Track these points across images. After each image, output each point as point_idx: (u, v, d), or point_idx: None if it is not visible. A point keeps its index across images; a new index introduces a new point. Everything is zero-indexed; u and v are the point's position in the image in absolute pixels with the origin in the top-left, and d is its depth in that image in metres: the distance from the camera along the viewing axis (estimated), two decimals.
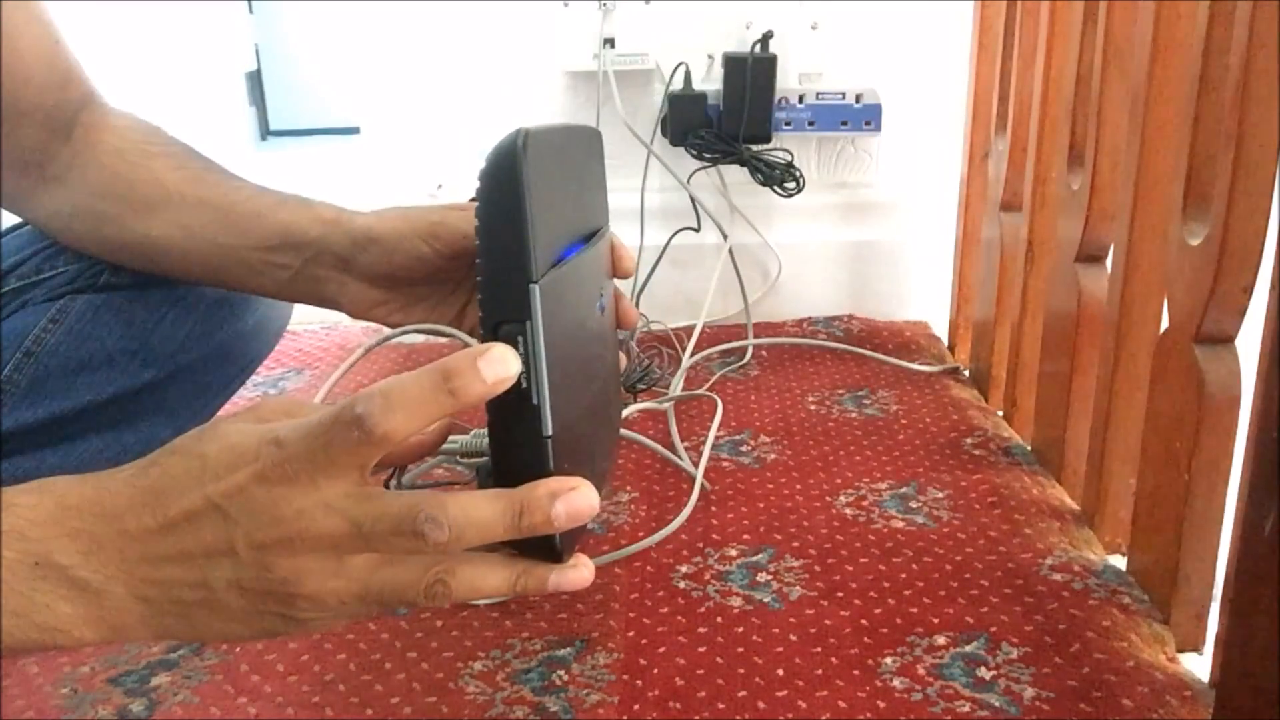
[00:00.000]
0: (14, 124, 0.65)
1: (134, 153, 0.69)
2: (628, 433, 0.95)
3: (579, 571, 0.41)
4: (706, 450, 0.94)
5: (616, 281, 0.57)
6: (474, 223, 0.38)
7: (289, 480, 0.38)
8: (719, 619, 0.71)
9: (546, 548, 0.40)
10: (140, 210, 0.68)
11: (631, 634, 0.69)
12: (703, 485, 0.88)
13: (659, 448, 0.93)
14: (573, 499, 0.38)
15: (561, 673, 0.65)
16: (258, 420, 0.42)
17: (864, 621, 0.70)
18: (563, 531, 0.39)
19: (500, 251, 0.37)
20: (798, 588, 0.74)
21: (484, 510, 0.38)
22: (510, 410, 0.38)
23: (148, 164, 0.68)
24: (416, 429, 0.38)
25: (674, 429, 0.99)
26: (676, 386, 1.10)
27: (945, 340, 1.25)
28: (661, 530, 0.81)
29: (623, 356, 0.60)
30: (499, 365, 0.37)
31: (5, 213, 0.72)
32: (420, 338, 1.13)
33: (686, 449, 0.95)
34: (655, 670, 0.66)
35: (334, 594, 0.39)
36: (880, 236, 1.34)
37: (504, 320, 0.38)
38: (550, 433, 0.38)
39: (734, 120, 1.23)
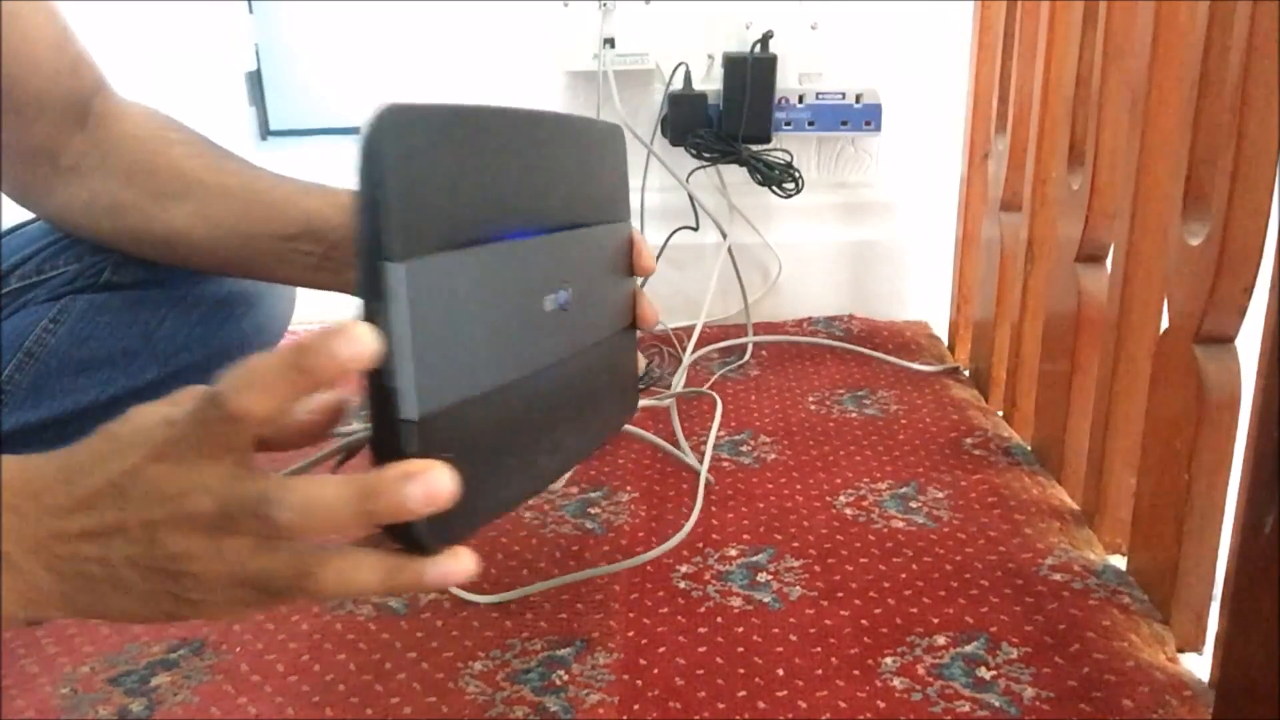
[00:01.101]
0: (25, 113, 0.64)
1: (153, 140, 0.68)
2: (631, 429, 0.94)
3: (459, 563, 0.39)
4: (710, 445, 0.94)
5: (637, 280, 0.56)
6: None
7: (175, 459, 0.38)
8: (719, 619, 0.71)
9: (411, 538, 0.38)
10: (162, 199, 0.67)
11: (631, 634, 0.69)
12: (707, 480, 0.88)
13: (664, 444, 0.94)
14: (429, 481, 0.36)
15: (561, 673, 0.65)
16: (174, 403, 0.41)
17: (864, 621, 0.70)
18: (423, 518, 0.37)
19: (364, 228, 0.36)
20: (798, 588, 0.74)
21: (330, 493, 0.37)
22: (378, 392, 0.37)
23: (167, 151, 0.68)
24: (274, 406, 0.37)
25: (677, 424, 0.99)
26: (678, 384, 1.10)
27: (945, 340, 1.25)
28: (675, 536, 0.81)
29: (641, 358, 0.58)
30: (353, 344, 0.36)
31: (5, 213, 0.72)
32: None
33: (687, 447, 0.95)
34: (655, 670, 0.66)
35: (215, 577, 0.39)
36: (880, 236, 1.34)
37: (368, 298, 0.36)
38: (410, 416, 0.36)
39: (734, 120, 1.23)
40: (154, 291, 0.73)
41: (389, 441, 0.37)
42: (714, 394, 1.06)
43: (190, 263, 0.70)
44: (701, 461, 0.91)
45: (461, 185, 0.39)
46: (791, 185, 1.22)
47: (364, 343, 0.35)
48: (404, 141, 0.35)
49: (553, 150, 0.47)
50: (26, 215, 0.79)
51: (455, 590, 0.73)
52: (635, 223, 1.24)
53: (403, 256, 0.35)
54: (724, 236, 1.27)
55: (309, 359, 0.36)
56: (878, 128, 1.29)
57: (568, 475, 0.89)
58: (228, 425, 0.38)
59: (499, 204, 0.41)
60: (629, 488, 0.90)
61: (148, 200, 0.67)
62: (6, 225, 0.76)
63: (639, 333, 0.58)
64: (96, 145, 0.67)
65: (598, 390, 0.52)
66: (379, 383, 0.36)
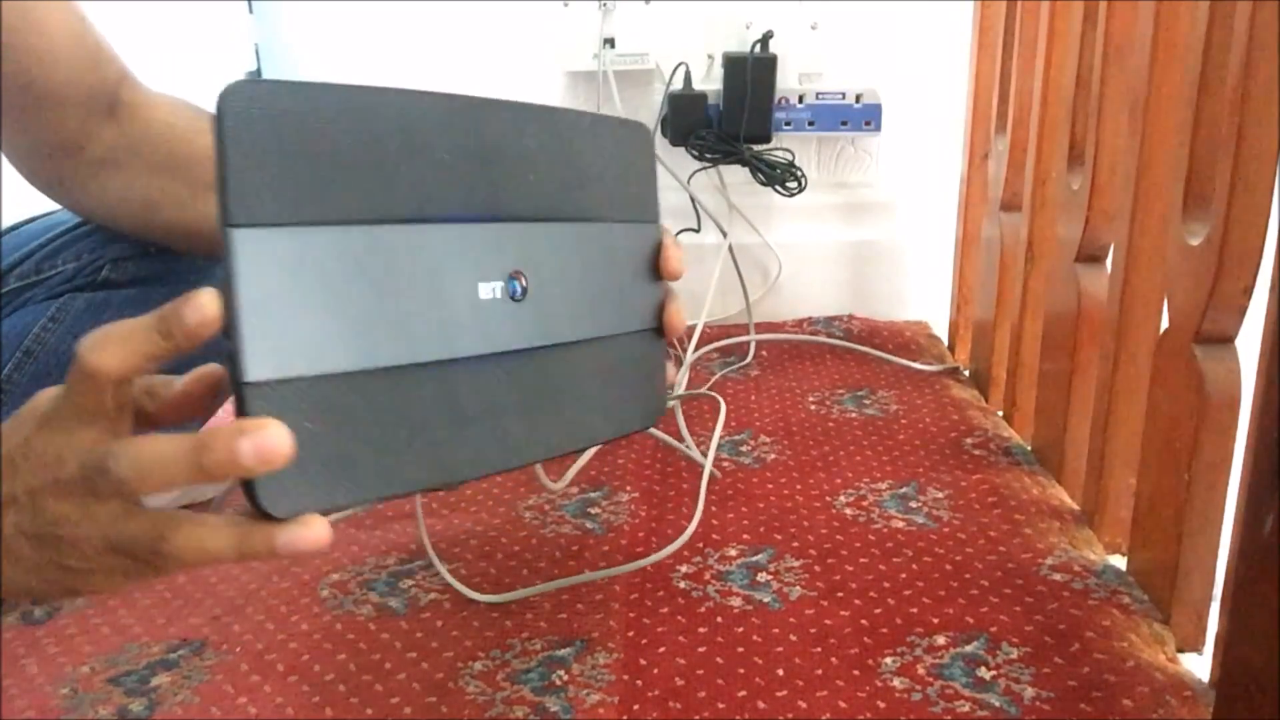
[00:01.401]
0: (48, 107, 0.64)
1: (187, 129, 0.67)
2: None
3: (312, 530, 0.39)
4: (714, 445, 0.94)
5: (673, 285, 0.54)
6: None
7: (53, 427, 0.39)
8: (719, 619, 0.71)
9: (254, 498, 0.38)
10: (199, 190, 0.66)
11: (631, 634, 0.69)
12: (712, 473, 0.88)
13: (668, 438, 0.93)
14: (261, 438, 0.36)
15: (561, 673, 0.65)
16: None
17: (864, 621, 0.70)
18: (270, 481, 0.37)
19: (216, 194, 0.37)
20: (798, 588, 0.74)
21: (165, 447, 0.38)
22: (229, 355, 0.38)
23: (202, 140, 0.67)
24: (130, 366, 0.38)
25: (682, 424, 0.99)
26: (681, 384, 1.10)
27: (945, 340, 1.25)
28: (678, 539, 0.81)
29: (671, 367, 0.57)
30: (198, 310, 0.37)
31: (4, 211, 0.72)
32: None
33: (688, 447, 0.95)
34: (655, 670, 0.66)
35: (88, 543, 0.40)
36: (880, 236, 1.34)
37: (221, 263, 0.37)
38: (243, 378, 0.37)
39: (734, 120, 1.23)
40: (152, 289, 0.73)
41: (237, 405, 0.38)
42: (718, 396, 1.06)
43: None
44: (706, 457, 0.91)
45: (332, 164, 0.39)
46: (795, 184, 1.22)
47: (207, 309, 0.37)
48: (251, 116, 0.36)
49: (522, 141, 0.46)
50: (24, 214, 0.79)
51: (458, 586, 0.73)
52: None
53: (240, 223, 0.36)
54: (724, 235, 1.28)
55: (162, 323, 0.38)
56: (878, 128, 1.29)
57: (572, 473, 0.89)
58: (86, 383, 0.38)
59: (395, 186, 0.41)
60: (629, 488, 0.90)
61: (184, 190, 0.66)
62: (5, 224, 0.76)
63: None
64: (127, 136, 0.67)
65: (583, 388, 0.51)
66: (229, 346, 0.37)
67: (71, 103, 0.65)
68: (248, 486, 0.38)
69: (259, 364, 0.37)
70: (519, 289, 0.45)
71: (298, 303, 0.38)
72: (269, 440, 0.36)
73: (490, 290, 0.44)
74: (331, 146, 0.38)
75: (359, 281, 0.39)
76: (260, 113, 0.36)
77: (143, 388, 0.43)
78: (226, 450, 0.36)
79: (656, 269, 0.53)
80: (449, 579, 0.74)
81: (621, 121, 0.51)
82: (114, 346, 0.38)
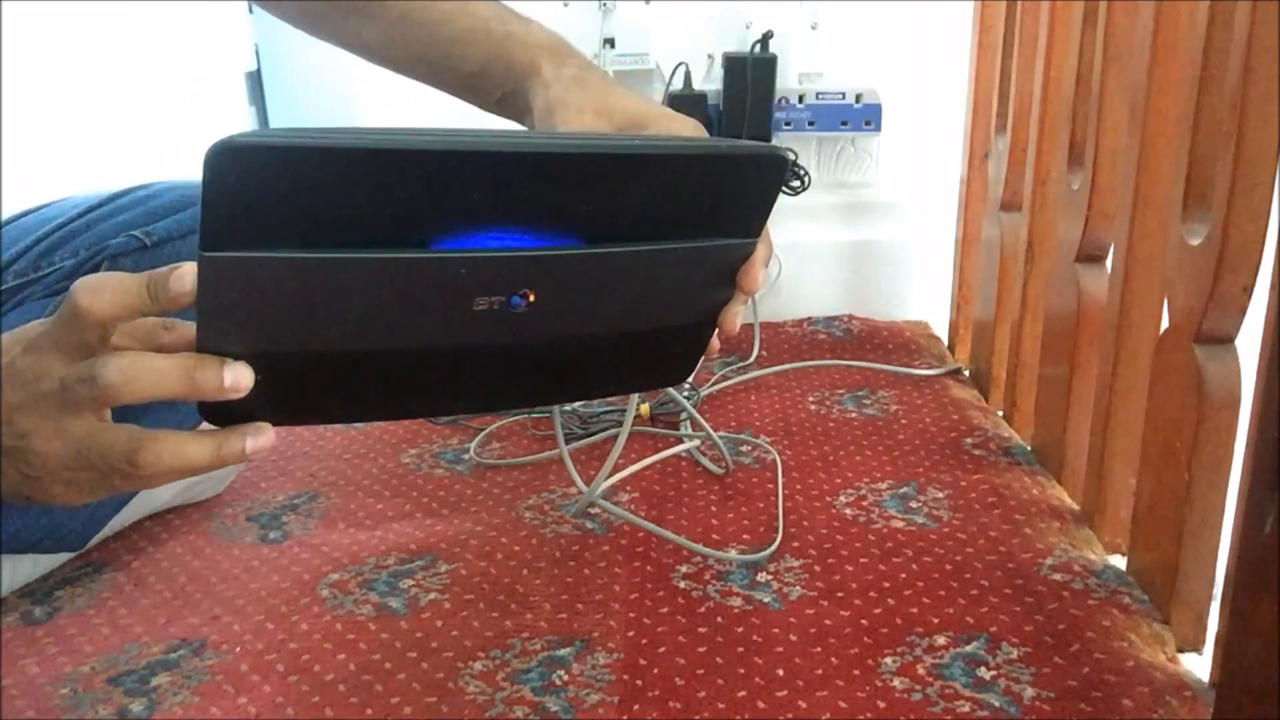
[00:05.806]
0: None
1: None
2: (650, 428, 0.94)
3: (269, 436, 0.46)
4: (779, 500, 0.94)
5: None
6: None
7: (36, 350, 0.44)
8: (719, 619, 0.71)
9: (228, 413, 0.45)
10: (351, 16, 0.68)
11: (631, 634, 0.69)
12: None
13: (710, 433, 0.93)
14: (235, 368, 0.43)
15: (561, 673, 0.65)
16: None
17: (864, 621, 0.70)
18: (232, 399, 0.44)
19: None
20: (798, 588, 0.74)
21: (157, 359, 0.43)
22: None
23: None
24: (114, 311, 0.43)
25: (685, 425, 0.99)
26: (683, 385, 1.10)
27: (945, 340, 1.25)
28: (766, 548, 0.81)
29: (715, 341, 0.60)
30: (180, 282, 0.44)
31: (4, 206, 0.72)
32: None
33: (696, 448, 0.95)
34: (655, 670, 0.66)
35: (55, 455, 0.44)
36: (880, 236, 1.34)
37: None
38: (201, 347, 0.44)
39: (734, 120, 1.23)
40: None
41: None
42: (772, 450, 1.05)
43: (396, 71, 0.70)
44: (726, 468, 0.91)
45: (302, 209, 0.43)
46: (798, 183, 1.22)
47: (186, 281, 0.43)
48: (226, 172, 0.41)
49: (577, 185, 0.49)
50: (20, 207, 0.78)
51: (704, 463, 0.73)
52: None
53: (205, 249, 0.42)
54: None
55: (151, 284, 0.43)
56: (878, 128, 1.29)
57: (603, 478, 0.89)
58: (74, 318, 0.43)
59: (374, 226, 0.45)
60: (629, 488, 0.90)
61: (339, 14, 0.69)
62: (3, 216, 0.76)
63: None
64: None
65: (594, 365, 0.56)
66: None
67: None
68: (206, 406, 0.46)
69: (207, 340, 0.44)
70: (522, 303, 0.49)
71: (246, 302, 0.44)
72: (243, 373, 0.44)
73: (487, 303, 0.48)
74: (304, 196, 0.43)
75: (315, 295, 0.45)
76: (237, 171, 0.41)
77: (159, 323, 0.48)
78: (214, 370, 0.43)
79: (717, 280, 0.55)
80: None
81: (761, 154, 0.52)
82: (108, 294, 0.43)
